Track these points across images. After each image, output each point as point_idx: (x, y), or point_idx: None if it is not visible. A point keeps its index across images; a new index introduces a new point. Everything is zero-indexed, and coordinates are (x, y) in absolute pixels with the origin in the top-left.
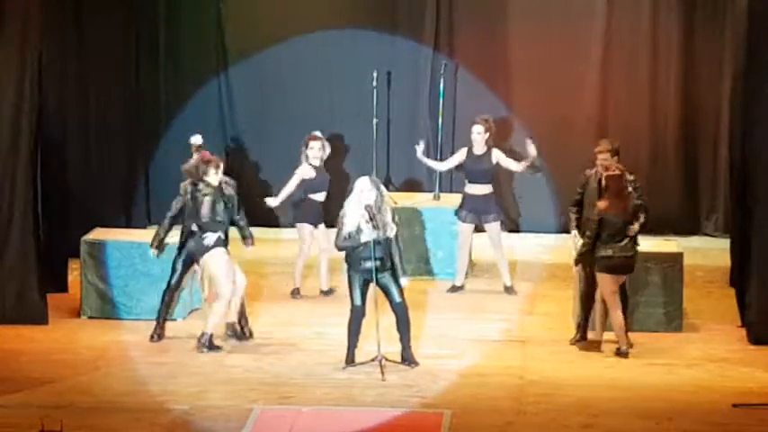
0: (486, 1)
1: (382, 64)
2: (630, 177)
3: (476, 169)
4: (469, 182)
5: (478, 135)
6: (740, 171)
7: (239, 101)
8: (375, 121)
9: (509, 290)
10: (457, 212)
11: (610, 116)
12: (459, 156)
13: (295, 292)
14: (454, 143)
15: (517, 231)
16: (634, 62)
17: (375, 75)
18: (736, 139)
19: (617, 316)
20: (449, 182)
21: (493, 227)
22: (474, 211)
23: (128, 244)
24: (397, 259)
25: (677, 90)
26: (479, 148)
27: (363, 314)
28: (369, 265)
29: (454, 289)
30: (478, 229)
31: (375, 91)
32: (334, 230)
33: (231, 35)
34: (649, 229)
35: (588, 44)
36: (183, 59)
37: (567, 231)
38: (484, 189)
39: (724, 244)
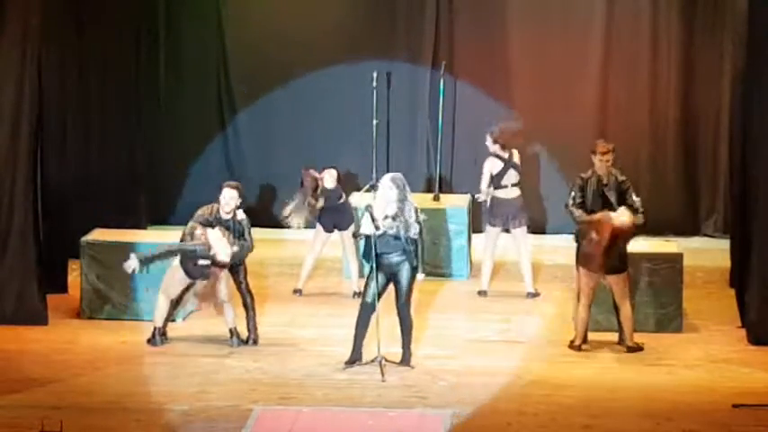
0: (486, 1)
1: (382, 64)
2: (621, 178)
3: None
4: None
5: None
6: (740, 171)
7: (239, 100)
8: (375, 121)
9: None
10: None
11: (610, 116)
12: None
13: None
14: (454, 144)
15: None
16: (634, 62)
17: (375, 75)
18: (736, 139)
19: (580, 310)
20: (449, 182)
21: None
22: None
23: (127, 244)
24: (418, 254)
25: (677, 90)
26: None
27: (372, 310)
28: (387, 260)
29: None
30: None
31: (375, 91)
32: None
33: (231, 35)
34: (649, 230)
35: (588, 44)
36: (183, 60)
37: (567, 232)
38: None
39: (724, 244)
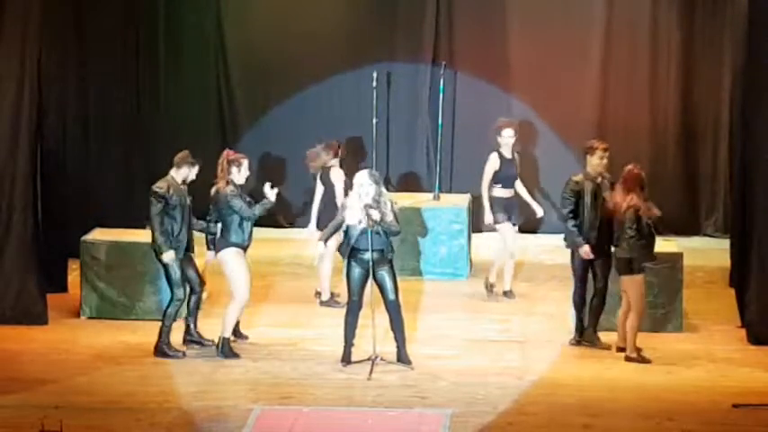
0: (486, 1)
1: (382, 64)
2: (608, 175)
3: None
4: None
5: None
6: (740, 171)
7: (239, 100)
8: (375, 121)
9: (508, 294)
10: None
11: (610, 116)
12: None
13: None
14: (454, 143)
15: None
16: (634, 62)
17: (375, 75)
18: (737, 139)
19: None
20: (448, 182)
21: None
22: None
23: (127, 244)
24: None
25: (677, 90)
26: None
27: (360, 307)
28: (366, 256)
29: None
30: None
31: (375, 91)
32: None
33: (231, 34)
34: None
35: (588, 44)
36: (183, 59)
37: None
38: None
39: (724, 244)
